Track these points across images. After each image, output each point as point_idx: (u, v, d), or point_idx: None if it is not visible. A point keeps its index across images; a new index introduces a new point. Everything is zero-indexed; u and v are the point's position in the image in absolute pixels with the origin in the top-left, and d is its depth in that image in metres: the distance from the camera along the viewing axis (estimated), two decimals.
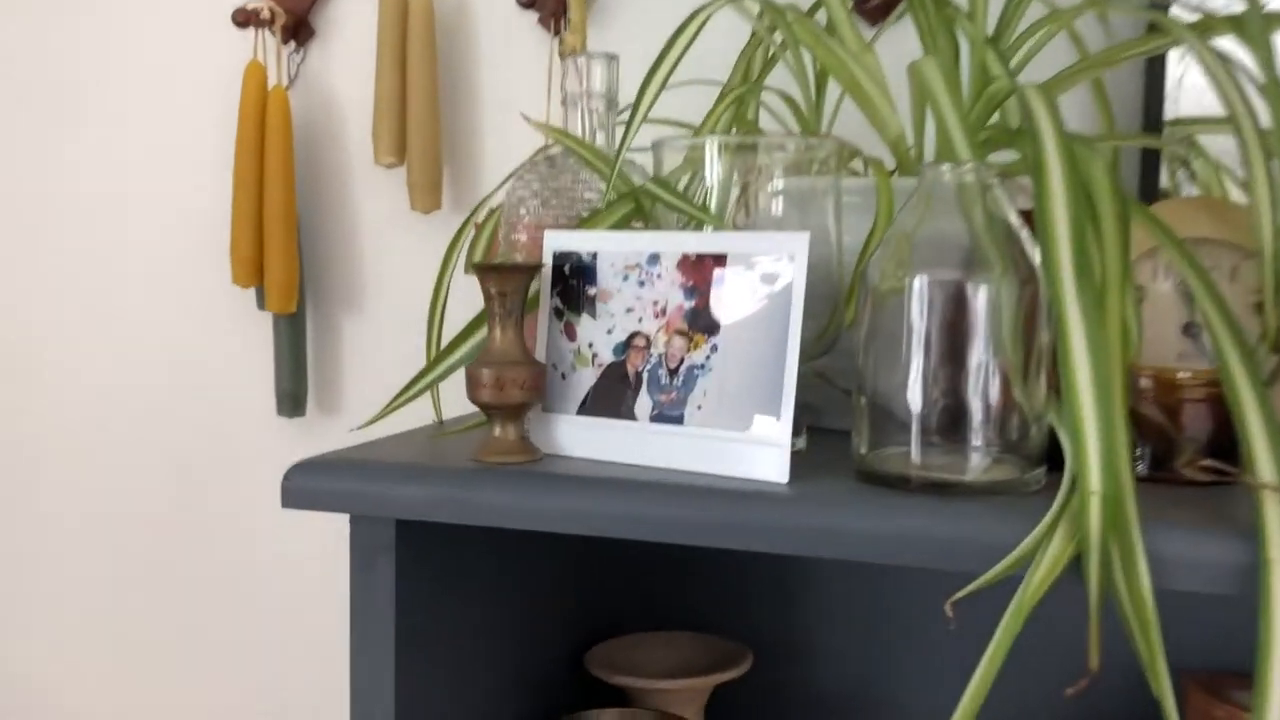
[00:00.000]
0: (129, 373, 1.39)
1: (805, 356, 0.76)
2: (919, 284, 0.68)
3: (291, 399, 1.27)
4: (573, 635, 1.07)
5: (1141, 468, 0.73)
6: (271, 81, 1.23)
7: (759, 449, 0.69)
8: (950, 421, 0.69)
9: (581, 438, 0.75)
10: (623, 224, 0.78)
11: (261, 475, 1.32)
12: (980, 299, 0.68)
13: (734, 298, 0.71)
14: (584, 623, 1.09)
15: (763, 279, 0.70)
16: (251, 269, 1.25)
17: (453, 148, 1.24)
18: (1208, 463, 0.71)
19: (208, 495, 1.36)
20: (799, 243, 0.69)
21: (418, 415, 1.04)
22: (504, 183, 0.84)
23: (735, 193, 0.81)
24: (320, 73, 1.26)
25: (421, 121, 1.18)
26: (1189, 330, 0.82)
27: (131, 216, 1.38)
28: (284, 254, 1.23)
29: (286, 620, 1.34)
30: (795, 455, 0.72)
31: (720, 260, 0.71)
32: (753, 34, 0.89)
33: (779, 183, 0.81)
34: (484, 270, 0.73)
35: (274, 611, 1.34)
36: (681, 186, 0.78)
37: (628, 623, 1.15)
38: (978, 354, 0.68)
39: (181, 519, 1.38)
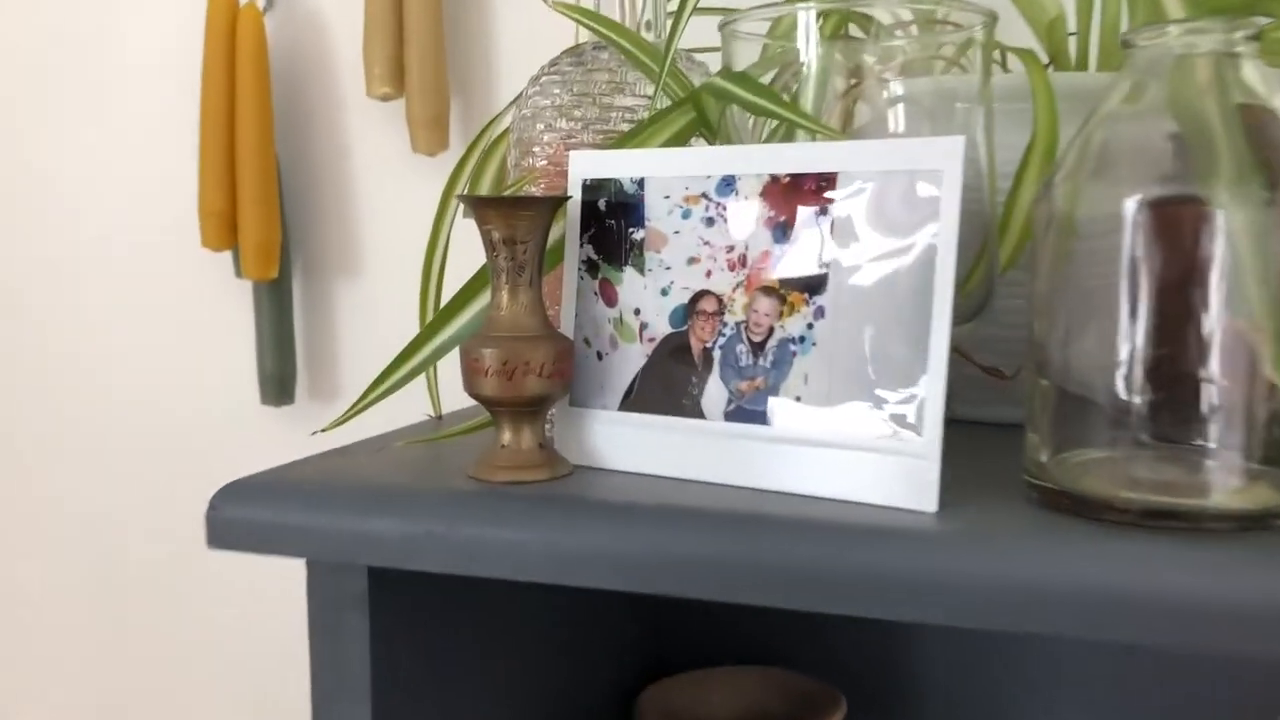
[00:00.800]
0: (86, 358, 1.19)
1: None
2: (1130, 209, 0.45)
3: (277, 384, 1.07)
4: (619, 676, 0.85)
5: None
6: None
7: (892, 463, 0.46)
8: (1180, 415, 0.46)
9: (627, 444, 0.53)
10: (679, 141, 0.55)
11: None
12: (1228, 229, 0.45)
13: (849, 239, 0.48)
14: (630, 659, 0.87)
15: (894, 209, 0.47)
16: (224, 228, 1.05)
17: (462, 75, 1.04)
18: None
19: (176, 500, 1.16)
20: (949, 153, 0.46)
21: (411, 406, 0.82)
22: (518, 98, 0.62)
23: (835, 99, 0.58)
24: None
25: (422, 43, 0.97)
26: None
27: (78, 168, 1.16)
28: (262, 209, 1.05)
29: (261, 660, 1.13)
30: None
31: (827, 183, 0.48)
32: None
33: (898, 86, 0.58)
34: (483, 206, 0.51)
35: (248, 637, 1.14)
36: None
37: (683, 656, 0.93)
38: (1223, 312, 0.45)
39: (148, 525, 1.18)
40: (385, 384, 0.55)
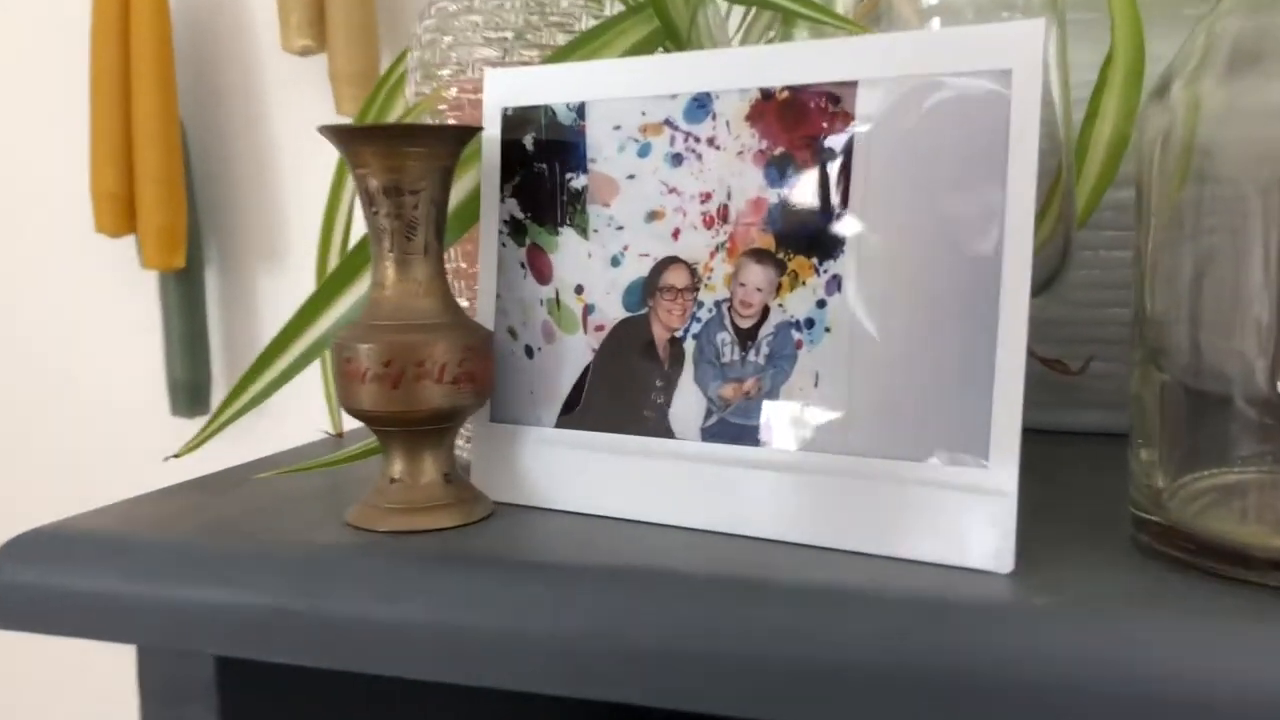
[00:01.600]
0: None
1: None
2: None
3: (189, 391, 0.93)
4: None
5: None
6: None
7: (947, 502, 0.32)
8: None
9: (568, 474, 0.38)
10: (638, 55, 0.40)
11: None
12: None
13: (878, 178, 0.33)
14: None
15: (944, 132, 0.32)
16: (120, 210, 0.91)
17: (393, 22, 0.90)
18: None
19: None
20: (1025, 42, 0.31)
21: (304, 419, 0.67)
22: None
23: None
24: None
25: None
26: None
27: None
28: (164, 187, 0.91)
29: None
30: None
31: (844, 97, 0.34)
32: None
33: None
34: (352, 140, 0.36)
35: None
36: None
37: None
38: None
39: None
40: (237, 402, 0.40)
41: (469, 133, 0.37)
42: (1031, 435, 0.33)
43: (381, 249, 0.37)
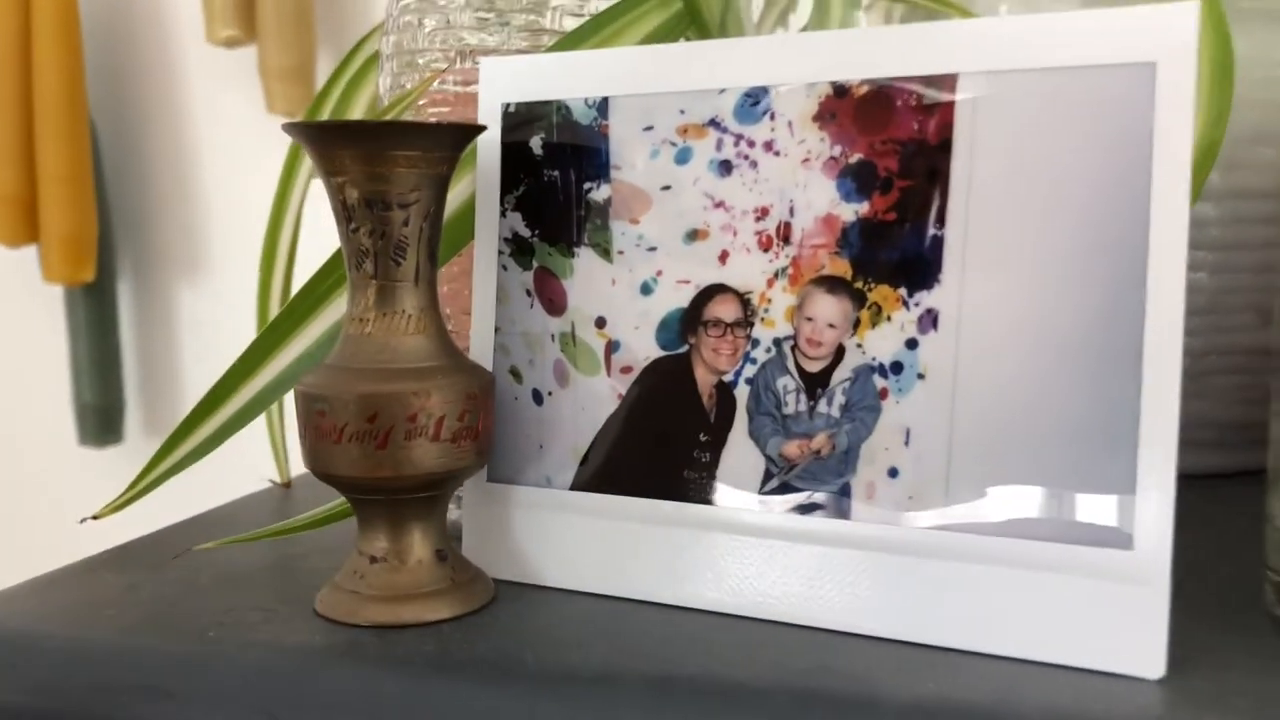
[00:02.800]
0: None
1: None
2: None
3: (99, 418, 0.88)
4: None
5: None
6: None
7: (1081, 593, 0.26)
8: None
9: (587, 548, 0.32)
10: (658, 43, 0.34)
11: None
12: None
13: (985, 192, 0.27)
14: None
15: (1069, 139, 0.27)
16: (19, 216, 0.87)
17: (330, 10, 0.83)
18: None
19: None
20: (1175, 29, 0.26)
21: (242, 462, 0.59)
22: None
23: None
24: None
25: None
26: None
27: None
28: (70, 191, 0.84)
29: None
30: None
31: (941, 94, 0.28)
32: None
33: None
34: (329, 140, 0.29)
35: None
36: None
37: None
38: None
39: None
40: (170, 457, 0.33)
41: (474, 131, 0.30)
42: None
43: (361, 274, 0.30)
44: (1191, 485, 0.42)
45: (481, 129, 0.31)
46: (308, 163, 0.46)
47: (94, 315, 0.88)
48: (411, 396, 0.29)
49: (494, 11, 0.34)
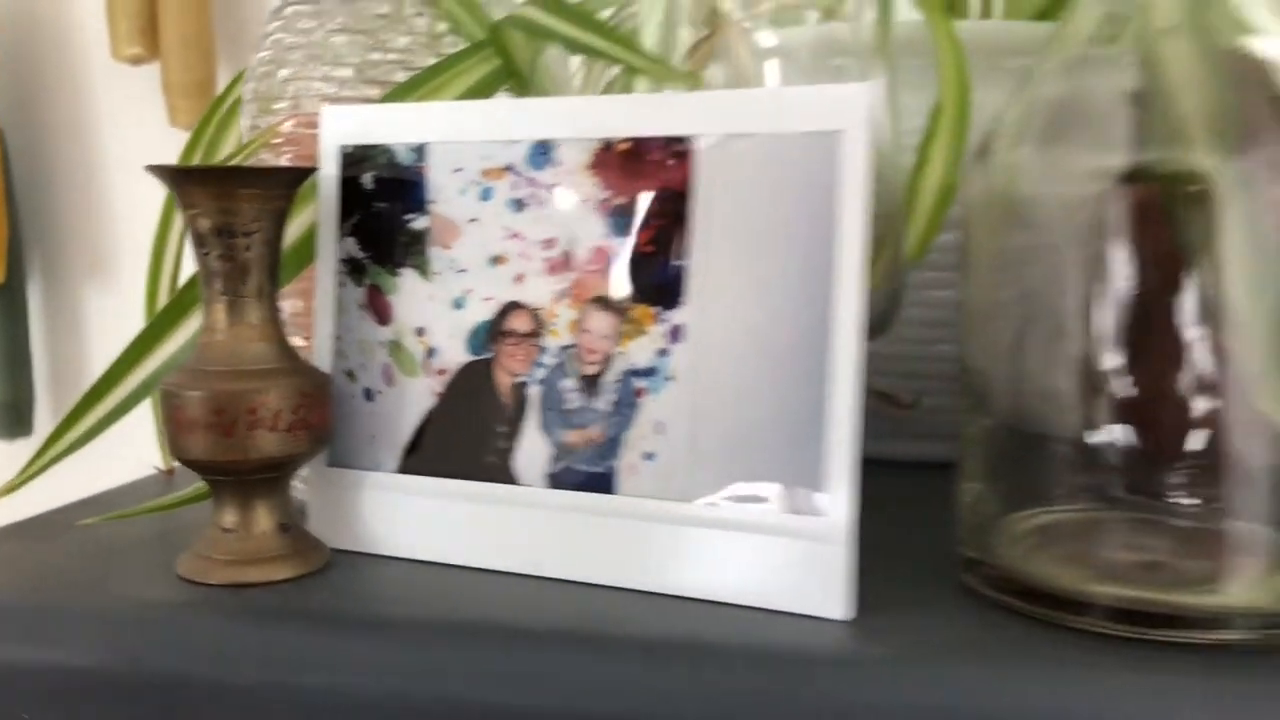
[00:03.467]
0: None
1: None
2: (1097, 187, 0.33)
3: (10, 412, 0.90)
4: None
5: None
6: None
7: (784, 549, 0.32)
8: (1167, 461, 0.34)
9: (410, 520, 0.38)
10: (477, 98, 0.40)
11: None
12: (1214, 214, 0.33)
13: (716, 229, 0.34)
14: None
15: (777, 187, 0.33)
16: None
17: (231, 30, 0.89)
18: None
19: None
20: (852, 105, 0.32)
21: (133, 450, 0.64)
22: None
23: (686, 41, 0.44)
24: None
25: None
26: None
27: None
28: None
29: None
30: None
31: (682, 151, 0.34)
32: None
33: (766, 35, 0.45)
34: (183, 181, 0.35)
35: None
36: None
37: None
38: (1212, 325, 0.33)
39: None
40: (59, 443, 0.38)
41: (303, 174, 0.36)
42: (868, 465, 0.34)
43: (212, 291, 0.36)
44: (925, 471, 0.49)
45: (311, 171, 0.37)
46: None
47: (5, 313, 0.90)
48: (253, 394, 0.35)
49: (335, 64, 0.40)
